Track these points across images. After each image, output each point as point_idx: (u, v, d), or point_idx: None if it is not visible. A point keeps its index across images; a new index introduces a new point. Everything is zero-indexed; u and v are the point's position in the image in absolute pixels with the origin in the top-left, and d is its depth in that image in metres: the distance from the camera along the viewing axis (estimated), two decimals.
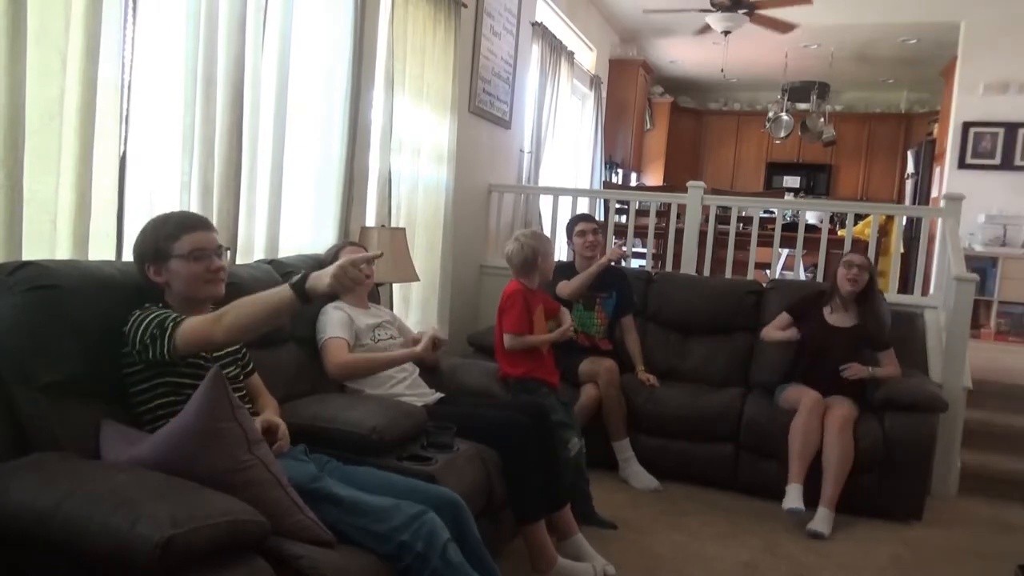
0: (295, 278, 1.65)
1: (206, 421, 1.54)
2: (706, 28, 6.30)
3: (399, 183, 3.70)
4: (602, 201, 5.67)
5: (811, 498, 3.13)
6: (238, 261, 2.66)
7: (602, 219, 5.45)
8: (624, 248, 3.69)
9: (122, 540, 1.27)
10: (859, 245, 4.73)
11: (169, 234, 1.84)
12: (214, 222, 2.50)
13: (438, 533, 1.73)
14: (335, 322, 2.57)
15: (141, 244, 1.86)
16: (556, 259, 3.53)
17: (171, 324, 1.70)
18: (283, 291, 1.65)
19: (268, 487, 1.60)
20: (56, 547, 1.35)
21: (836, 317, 3.47)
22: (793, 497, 3.08)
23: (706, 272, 4.83)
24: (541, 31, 5.44)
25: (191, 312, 1.83)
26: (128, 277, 1.91)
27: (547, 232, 4.88)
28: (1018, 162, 6.57)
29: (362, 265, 1.68)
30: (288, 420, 2.04)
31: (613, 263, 3.72)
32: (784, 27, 6.25)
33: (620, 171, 8.28)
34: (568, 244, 3.78)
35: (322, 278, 1.63)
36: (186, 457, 1.52)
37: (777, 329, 3.60)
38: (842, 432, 3.15)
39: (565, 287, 3.55)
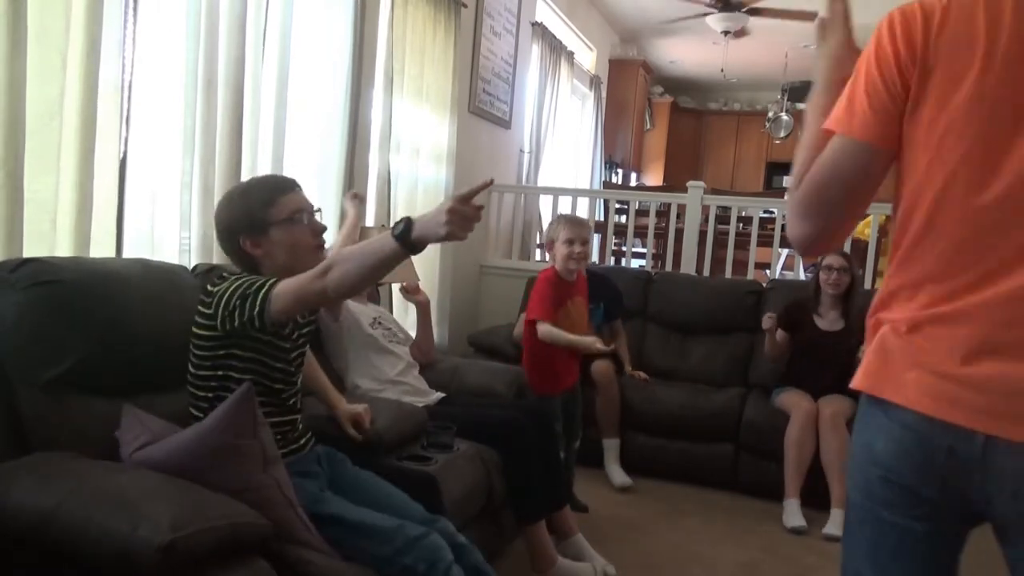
0: (399, 227, 1.46)
1: (227, 437, 1.51)
2: (741, 33, 6.28)
3: (399, 183, 3.70)
4: (602, 201, 5.67)
5: (813, 501, 3.15)
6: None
7: (602, 219, 5.46)
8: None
9: (123, 543, 1.27)
10: (858, 245, 4.74)
11: (263, 200, 1.71)
12: (214, 222, 2.51)
13: (441, 556, 1.69)
14: None
15: (230, 215, 1.74)
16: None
17: (266, 286, 1.57)
18: (387, 242, 1.46)
19: (279, 507, 1.57)
20: (56, 548, 1.34)
21: (826, 322, 3.48)
22: (793, 513, 3.12)
23: (706, 272, 4.82)
24: (541, 31, 5.44)
25: None
26: (132, 272, 1.90)
27: None
28: None
29: (473, 203, 1.44)
30: None
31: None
32: (809, 16, 6.22)
33: (620, 171, 8.28)
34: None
35: (432, 224, 1.43)
36: (200, 470, 1.50)
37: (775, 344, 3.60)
38: (835, 429, 3.17)
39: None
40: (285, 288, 1.54)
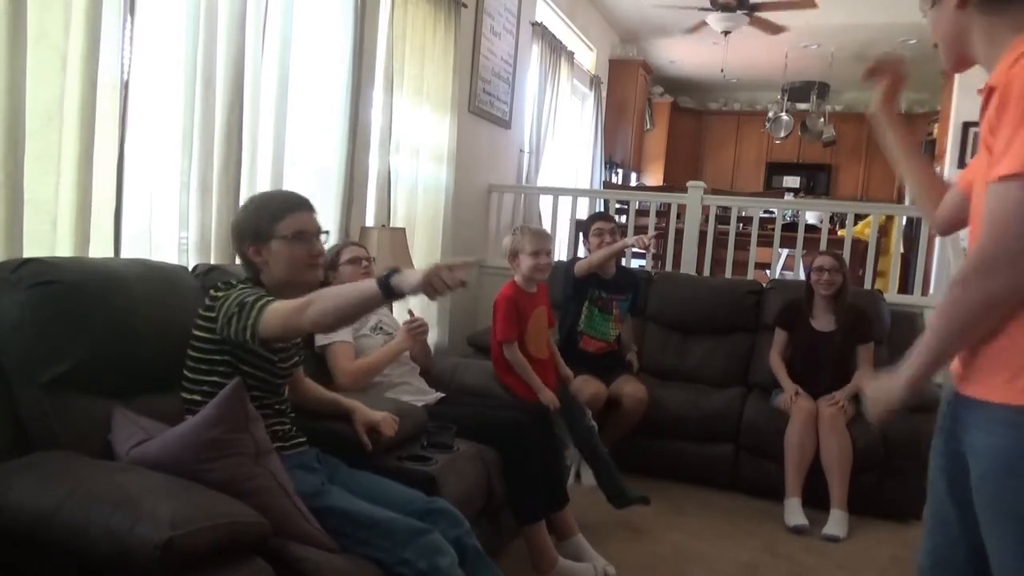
0: (383, 274, 1.59)
1: (219, 430, 1.54)
2: (701, 25, 6.32)
3: (398, 183, 3.70)
4: (602, 201, 5.67)
5: (813, 501, 3.15)
6: (236, 261, 2.66)
7: None
8: (649, 240, 3.66)
9: (122, 541, 1.27)
10: (858, 247, 4.74)
11: (272, 214, 1.81)
12: (212, 222, 2.51)
13: (441, 554, 1.70)
14: None
15: (243, 223, 1.84)
16: (564, 259, 3.50)
17: (258, 305, 1.64)
18: (369, 285, 1.58)
19: (275, 495, 1.59)
20: (56, 547, 1.35)
21: (820, 322, 3.49)
22: (794, 512, 3.12)
23: (706, 272, 4.83)
24: (541, 31, 5.44)
25: (284, 297, 1.77)
26: (133, 272, 1.90)
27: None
28: None
29: (454, 272, 1.54)
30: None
31: (636, 248, 3.73)
32: (775, 29, 6.30)
33: (620, 171, 8.28)
34: (584, 243, 3.75)
35: (409, 278, 1.55)
36: (194, 462, 1.52)
37: (778, 348, 3.59)
38: (834, 429, 3.16)
39: (583, 263, 3.52)
40: (274, 313, 1.63)
